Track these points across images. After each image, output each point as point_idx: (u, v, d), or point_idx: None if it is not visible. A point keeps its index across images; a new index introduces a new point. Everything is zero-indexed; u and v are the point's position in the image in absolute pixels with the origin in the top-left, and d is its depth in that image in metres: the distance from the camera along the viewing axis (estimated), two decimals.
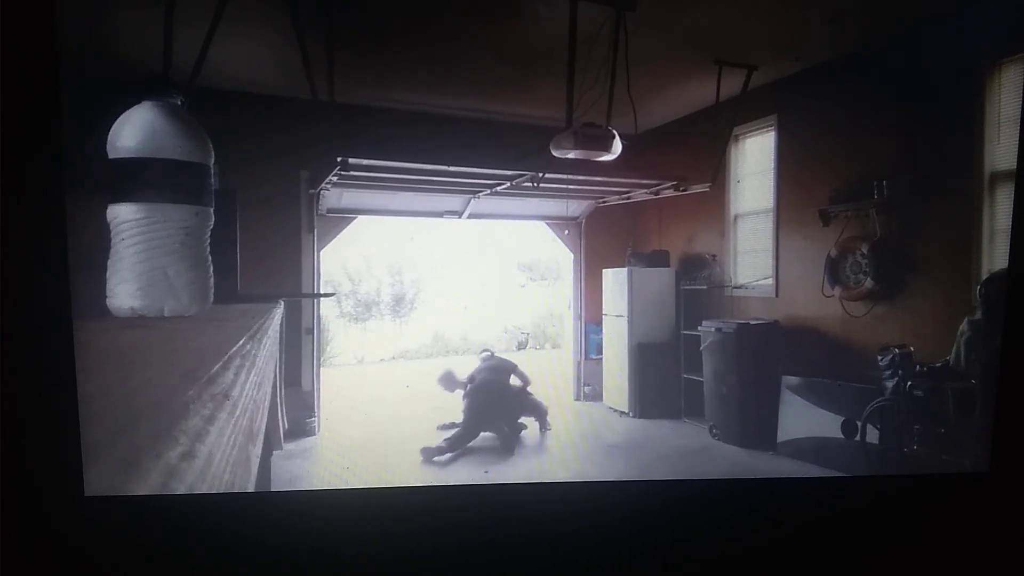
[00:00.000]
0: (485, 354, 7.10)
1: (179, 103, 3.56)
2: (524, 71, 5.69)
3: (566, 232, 8.26)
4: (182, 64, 4.07)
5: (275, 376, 4.12)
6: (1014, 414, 3.54)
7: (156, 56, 3.95)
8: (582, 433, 7.02)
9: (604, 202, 7.83)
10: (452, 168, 6.06)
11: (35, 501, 2.89)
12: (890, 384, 5.05)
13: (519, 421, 6.75)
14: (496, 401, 6.69)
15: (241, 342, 2.51)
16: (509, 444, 6.52)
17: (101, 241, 3.31)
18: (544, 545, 3.33)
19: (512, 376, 6.92)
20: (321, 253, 6.86)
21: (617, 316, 7.59)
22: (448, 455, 6.23)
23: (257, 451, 2.78)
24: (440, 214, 7.71)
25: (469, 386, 6.76)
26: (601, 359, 7.95)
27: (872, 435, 5.13)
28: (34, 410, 2.86)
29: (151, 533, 2.96)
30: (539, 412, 6.88)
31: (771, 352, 6.14)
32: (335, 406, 6.93)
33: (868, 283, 5.50)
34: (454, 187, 6.96)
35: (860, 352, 5.55)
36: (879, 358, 5.15)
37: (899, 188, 5.29)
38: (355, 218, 7.24)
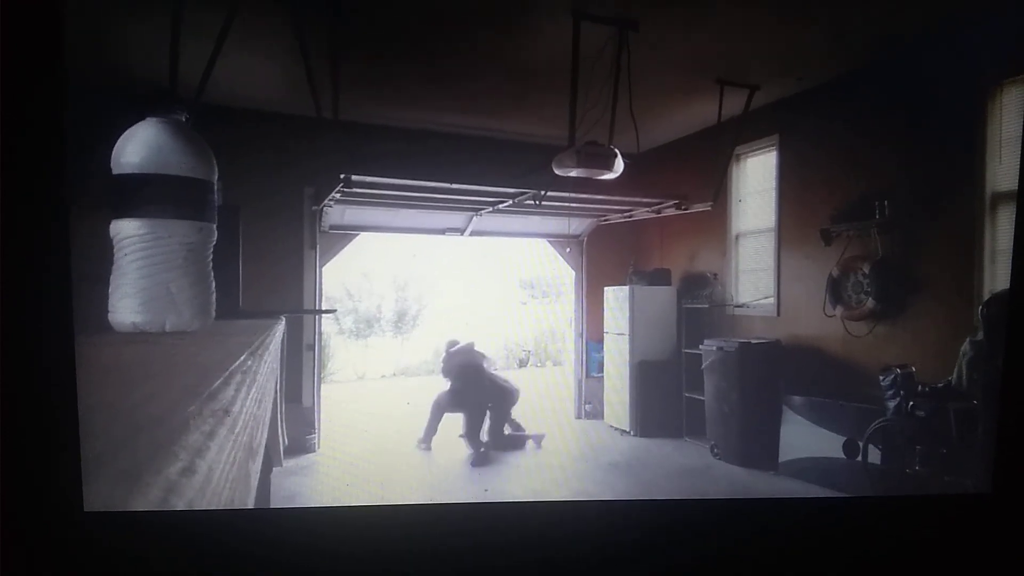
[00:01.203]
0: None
1: (183, 119, 3.58)
2: (527, 89, 5.72)
3: (568, 250, 8.27)
4: (187, 80, 4.10)
5: (276, 392, 4.11)
6: (1016, 435, 3.53)
7: (162, 72, 3.98)
8: (583, 451, 7.00)
9: (606, 220, 7.85)
10: (454, 185, 6.07)
11: (35, 515, 2.88)
12: (892, 404, 5.03)
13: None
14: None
15: (242, 358, 2.51)
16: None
17: (104, 256, 3.32)
18: (543, 564, 3.32)
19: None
20: (323, 269, 6.87)
21: (618, 334, 7.58)
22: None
23: (257, 467, 2.77)
24: (442, 231, 7.72)
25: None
26: (602, 377, 7.94)
27: (874, 455, 5.11)
28: (35, 424, 2.86)
29: (150, 549, 2.95)
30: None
31: (773, 371, 6.12)
32: (335, 423, 6.92)
33: (870, 303, 5.50)
34: (456, 204, 6.97)
35: (862, 372, 5.53)
36: (881, 378, 5.13)
37: (901, 208, 5.30)
38: (357, 235, 7.25)
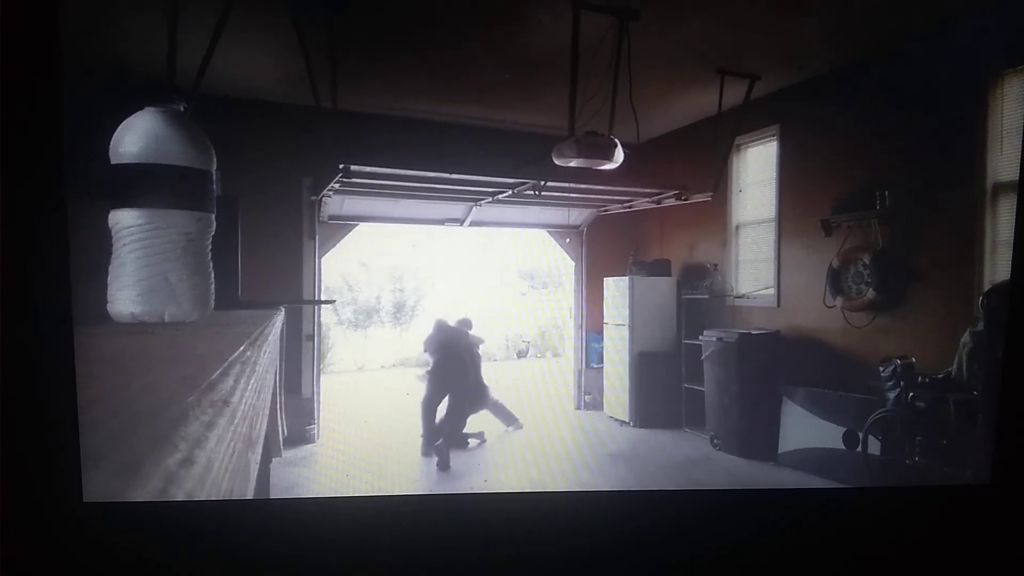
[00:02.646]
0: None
1: (182, 109, 3.57)
2: (527, 79, 5.70)
3: (568, 240, 8.26)
4: (186, 70, 4.08)
5: (275, 383, 4.11)
6: (1016, 426, 3.53)
7: (160, 62, 3.96)
8: (583, 442, 7.01)
9: (606, 211, 7.84)
10: (454, 176, 6.06)
11: (34, 506, 2.88)
12: (892, 395, 5.03)
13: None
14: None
15: (241, 348, 2.50)
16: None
17: (103, 247, 3.31)
18: (542, 554, 3.32)
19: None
20: (322, 260, 6.86)
21: (618, 325, 7.58)
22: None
23: (256, 458, 2.77)
24: (442, 222, 7.71)
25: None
26: (602, 368, 7.94)
27: (874, 446, 5.11)
28: (34, 415, 2.86)
29: (150, 539, 2.95)
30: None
31: (772, 362, 6.13)
32: (335, 413, 6.92)
33: (870, 293, 5.49)
34: (456, 195, 6.96)
35: (862, 363, 5.53)
36: (881, 369, 5.14)
37: (901, 198, 5.29)
38: (356, 225, 7.24)
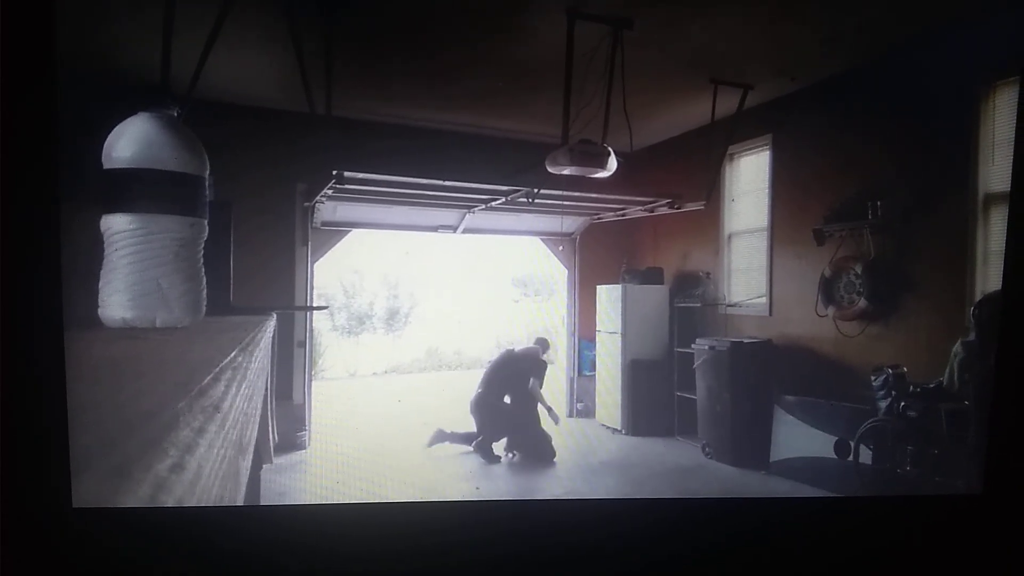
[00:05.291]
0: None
1: (175, 114, 3.56)
2: (521, 87, 5.71)
3: (561, 248, 8.27)
4: (179, 75, 4.07)
5: (266, 389, 4.10)
6: (1007, 436, 3.54)
7: (154, 67, 3.96)
8: (574, 450, 7.00)
9: (599, 219, 7.85)
10: (447, 183, 6.06)
11: (24, 511, 2.86)
12: (883, 404, 5.04)
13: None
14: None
15: (233, 354, 2.49)
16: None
17: (94, 251, 3.30)
18: (533, 561, 3.31)
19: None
20: (315, 266, 6.85)
21: (611, 333, 7.58)
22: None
23: (247, 464, 2.76)
24: (435, 228, 7.71)
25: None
26: (594, 376, 7.94)
27: (865, 455, 5.12)
28: (24, 420, 2.84)
29: (139, 545, 2.93)
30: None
31: (764, 371, 6.13)
32: (326, 420, 6.90)
33: (862, 303, 5.51)
34: (449, 202, 6.96)
35: (853, 372, 5.54)
36: (872, 378, 5.15)
37: (894, 208, 5.31)
38: (349, 231, 7.24)
